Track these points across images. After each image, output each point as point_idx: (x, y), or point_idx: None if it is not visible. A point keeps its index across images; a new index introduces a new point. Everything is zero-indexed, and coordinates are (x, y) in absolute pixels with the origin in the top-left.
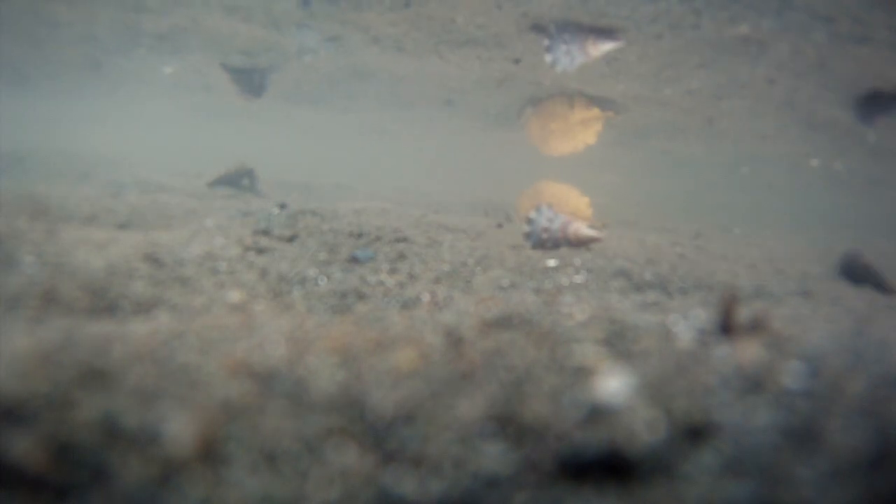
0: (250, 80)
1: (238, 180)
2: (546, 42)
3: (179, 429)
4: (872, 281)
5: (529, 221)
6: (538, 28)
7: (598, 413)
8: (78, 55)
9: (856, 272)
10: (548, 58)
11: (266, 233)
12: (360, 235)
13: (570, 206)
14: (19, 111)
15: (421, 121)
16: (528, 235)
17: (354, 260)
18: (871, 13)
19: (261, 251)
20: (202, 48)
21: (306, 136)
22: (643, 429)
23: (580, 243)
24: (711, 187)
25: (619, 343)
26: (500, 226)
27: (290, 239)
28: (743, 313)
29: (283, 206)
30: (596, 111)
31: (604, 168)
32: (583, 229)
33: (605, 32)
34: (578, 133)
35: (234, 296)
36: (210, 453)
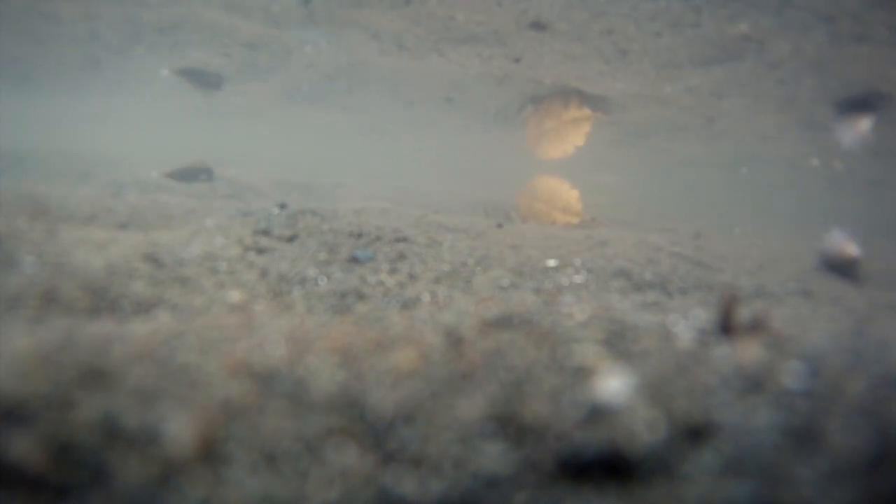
0: (207, 79)
1: (196, 175)
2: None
3: (179, 429)
4: None
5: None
6: (537, 26)
7: (598, 413)
8: (78, 53)
9: None
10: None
11: (266, 233)
12: (360, 235)
13: (561, 201)
14: (19, 111)
15: (421, 120)
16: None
17: (354, 260)
18: (871, 12)
19: (261, 251)
20: (202, 46)
21: (306, 136)
22: (643, 429)
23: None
24: (711, 187)
25: (619, 343)
26: (500, 226)
27: (290, 239)
28: (743, 313)
29: (283, 206)
30: (586, 111)
31: (604, 168)
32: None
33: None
34: (569, 134)
35: (234, 296)
36: (210, 453)
